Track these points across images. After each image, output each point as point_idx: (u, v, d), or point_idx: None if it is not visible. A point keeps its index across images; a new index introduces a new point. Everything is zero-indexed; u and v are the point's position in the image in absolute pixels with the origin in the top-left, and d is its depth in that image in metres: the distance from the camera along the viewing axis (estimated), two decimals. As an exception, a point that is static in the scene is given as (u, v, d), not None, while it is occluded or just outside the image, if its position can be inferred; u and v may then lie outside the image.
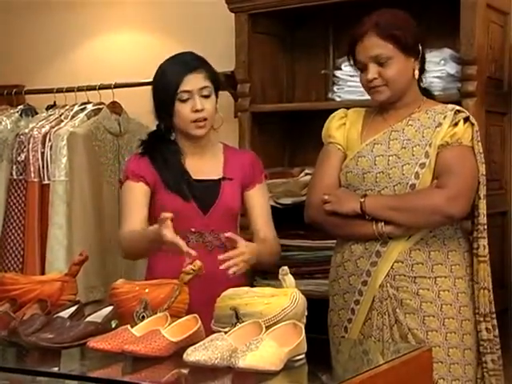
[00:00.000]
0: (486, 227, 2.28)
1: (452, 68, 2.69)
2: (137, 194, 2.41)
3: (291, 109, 3.10)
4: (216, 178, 2.43)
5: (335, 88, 2.91)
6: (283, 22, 3.14)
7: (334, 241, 2.66)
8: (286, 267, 1.91)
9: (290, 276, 1.90)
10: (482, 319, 2.27)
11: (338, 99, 2.89)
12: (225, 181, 2.42)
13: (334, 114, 2.43)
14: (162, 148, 2.44)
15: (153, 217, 2.42)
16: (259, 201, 2.48)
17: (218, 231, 2.39)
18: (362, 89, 2.83)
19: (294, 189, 2.91)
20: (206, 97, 2.38)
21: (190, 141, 2.44)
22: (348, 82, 2.86)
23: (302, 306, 1.86)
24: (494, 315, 2.29)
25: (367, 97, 2.70)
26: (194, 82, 2.37)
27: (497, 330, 2.29)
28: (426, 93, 2.39)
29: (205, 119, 2.38)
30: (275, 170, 3.02)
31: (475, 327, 2.27)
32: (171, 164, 2.41)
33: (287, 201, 2.90)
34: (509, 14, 2.80)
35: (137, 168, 2.43)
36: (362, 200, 2.24)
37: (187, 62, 2.41)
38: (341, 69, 2.88)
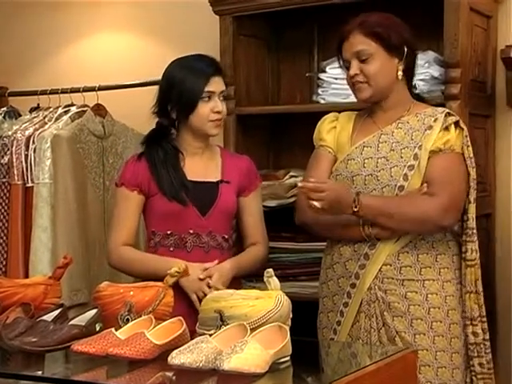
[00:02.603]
0: (474, 231, 2.29)
1: (436, 71, 2.71)
2: (130, 205, 2.44)
3: (276, 111, 3.10)
4: (214, 180, 2.46)
5: (320, 90, 2.92)
6: (268, 25, 3.14)
7: (319, 243, 2.67)
8: (270, 269, 1.91)
9: (275, 278, 1.90)
10: (468, 323, 2.27)
11: (322, 102, 2.90)
12: (222, 183, 2.45)
13: (325, 117, 2.44)
14: (162, 147, 2.44)
15: (150, 220, 2.46)
16: (253, 207, 2.52)
17: (215, 232, 2.43)
18: (347, 91, 2.84)
19: (279, 191, 2.91)
20: (222, 100, 2.43)
21: (197, 139, 2.46)
22: (332, 84, 2.87)
23: (287, 309, 1.86)
24: (485, 319, 2.29)
25: (352, 99, 2.71)
26: (218, 84, 2.42)
27: (487, 334, 2.29)
28: (419, 98, 2.40)
29: (220, 120, 2.43)
30: (260, 172, 3.02)
31: (463, 331, 2.27)
32: (170, 166, 2.42)
33: (272, 203, 2.90)
34: (492, 17, 2.82)
35: (133, 175, 2.44)
36: (355, 200, 2.19)
37: (213, 64, 2.45)
38: (325, 71, 2.89)
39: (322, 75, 2.91)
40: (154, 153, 2.44)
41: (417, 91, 2.45)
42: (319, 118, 3.09)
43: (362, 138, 2.32)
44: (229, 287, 2.22)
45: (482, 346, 2.28)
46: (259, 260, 2.50)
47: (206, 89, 2.39)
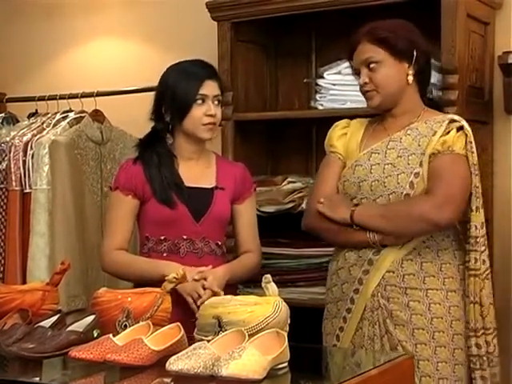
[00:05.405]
0: (478, 240, 2.24)
1: (433, 77, 2.70)
2: (124, 209, 2.44)
3: (274, 117, 3.11)
4: (209, 186, 2.46)
5: (318, 96, 2.92)
6: (266, 31, 3.14)
7: (317, 248, 2.67)
8: (268, 275, 1.91)
9: (273, 284, 1.90)
10: (472, 334, 2.22)
11: (320, 107, 2.90)
12: (217, 190, 2.45)
13: (336, 124, 2.44)
14: (156, 151, 2.45)
15: (143, 225, 2.47)
16: (247, 215, 2.52)
17: (209, 239, 2.43)
18: (345, 97, 2.84)
19: (276, 197, 2.91)
20: (217, 105, 2.43)
21: (191, 144, 2.46)
22: (330, 90, 2.87)
23: (285, 314, 1.86)
24: (490, 331, 2.24)
25: (349, 105, 2.72)
26: (212, 88, 2.42)
27: (491, 346, 2.25)
28: (433, 104, 2.38)
29: (214, 124, 2.43)
30: (258, 178, 3.02)
31: (467, 342, 2.23)
32: (164, 168, 2.42)
33: (270, 209, 2.91)
34: (489, 23, 2.83)
35: (127, 179, 2.44)
36: (353, 209, 2.22)
37: (208, 68, 2.46)
38: (323, 77, 2.90)
39: (319, 81, 2.92)
40: (149, 156, 2.44)
41: (431, 96, 2.41)
42: (317, 123, 3.11)
43: (371, 145, 2.31)
44: (224, 293, 2.22)
45: (485, 358, 2.23)
46: (251, 268, 2.50)
47: (200, 92, 2.39)
